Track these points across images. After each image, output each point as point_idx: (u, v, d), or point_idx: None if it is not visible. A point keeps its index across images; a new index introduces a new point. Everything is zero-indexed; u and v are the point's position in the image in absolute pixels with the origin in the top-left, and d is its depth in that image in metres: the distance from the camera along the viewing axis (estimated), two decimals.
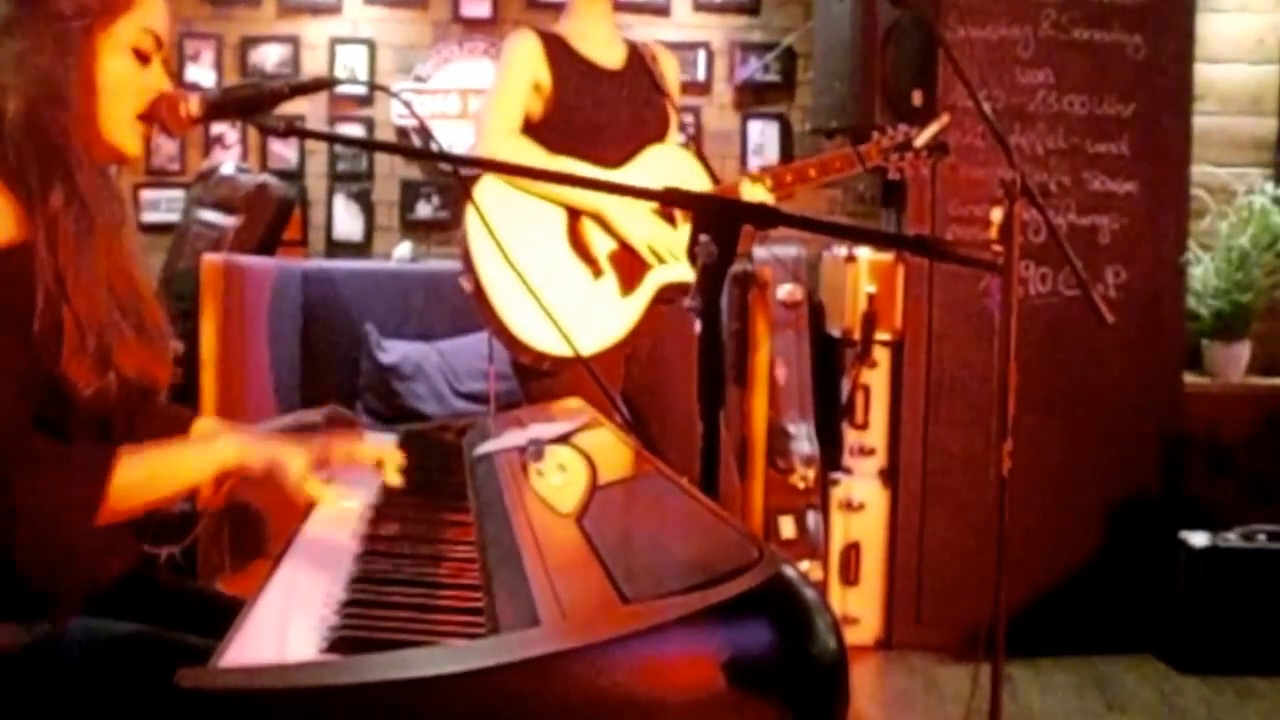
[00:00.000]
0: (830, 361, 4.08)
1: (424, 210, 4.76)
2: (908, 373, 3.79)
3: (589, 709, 0.93)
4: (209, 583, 3.25)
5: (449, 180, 4.67)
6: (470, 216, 2.78)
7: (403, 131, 4.67)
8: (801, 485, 3.82)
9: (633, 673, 0.94)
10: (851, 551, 3.85)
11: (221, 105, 1.52)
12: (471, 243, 2.78)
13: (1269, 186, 4.23)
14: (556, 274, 2.82)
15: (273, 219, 4.16)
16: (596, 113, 2.89)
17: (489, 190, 2.80)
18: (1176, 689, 3.51)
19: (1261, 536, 3.66)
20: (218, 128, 4.66)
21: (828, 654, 1.00)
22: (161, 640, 1.40)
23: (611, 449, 1.69)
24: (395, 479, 1.60)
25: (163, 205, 4.65)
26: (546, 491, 1.46)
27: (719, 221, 1.50)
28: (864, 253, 3.86)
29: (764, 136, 4.81)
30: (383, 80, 4.66)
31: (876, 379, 3.86)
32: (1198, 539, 3.65)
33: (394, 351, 3.98)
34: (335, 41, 4.71)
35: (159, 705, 1.17)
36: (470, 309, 2.85)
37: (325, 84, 3.67)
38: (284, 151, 4.72)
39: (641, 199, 2.63)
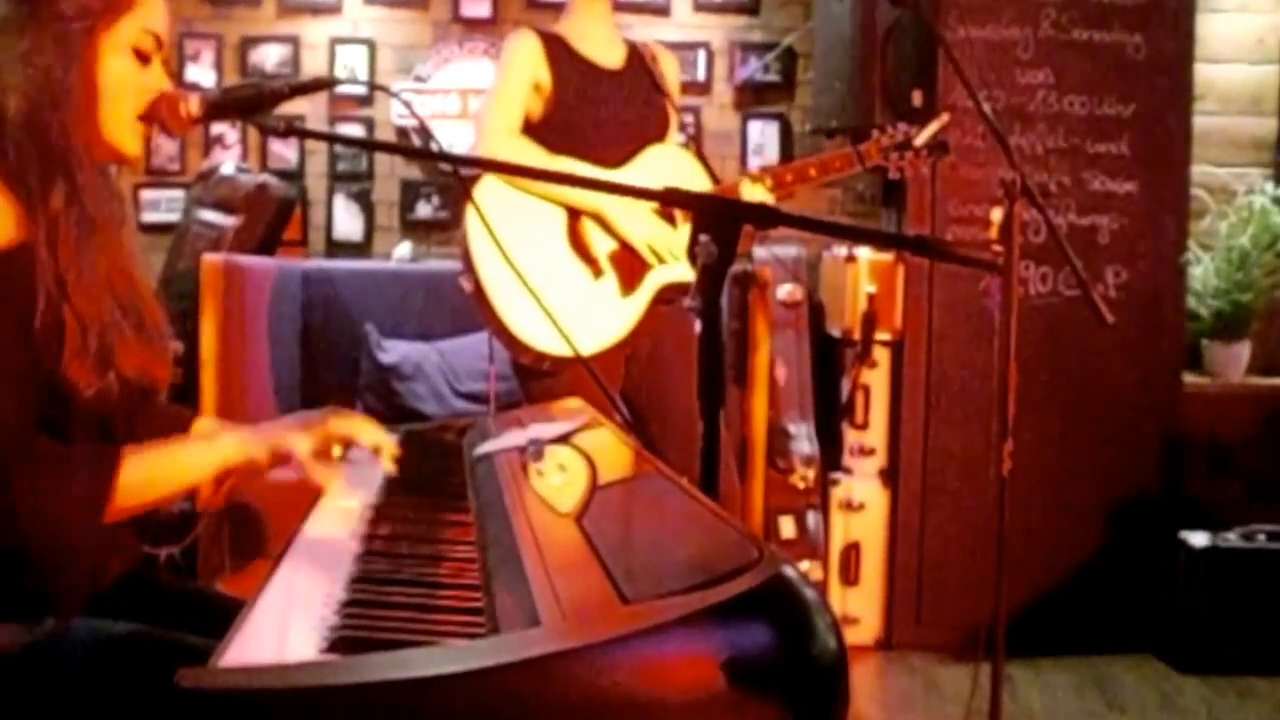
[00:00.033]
0: (830, 361, 4.07)
1: (424, 210, 4.76)
2: (908, 373, 3.79)
3: (589, 709, 0.93)
4: (209, 583, 3.25)
5: (449, 180, 4.67)
6: (470, 216, 2.78)
7: (403, 131, 4.67)
8: (801, 485, 3.82)
9: (633, 673, 0.94)
10: (851, 551, 3.85)
11: (221, 105, 1.52)
12: (471, 243, 2.77)
13: (1269, 186, 4.23)
14: (556, 274, 2.82)
15: (273, 219, 4.16)
16: (596, 113, 2.89)
17: (489, 190, 2.80)
18: (1176, 689, 3.51)
19: (1261, 536, 3.66)
20: (218, 128, 4.66)
21: (828, 654, 1.00)
22: (161, 640, 1.40)
23: (611, 449, 1.69)
24: (390, 467, 1.60)
25: (163, 205, 4.65)
26: (546, 491, 1.45)
27: (719, 221, 1.50)
28: (864, 253, 3.86)
29: (764, 136, 4.81)
30: (383, 80, 4.67)
31: (876, 379, 3.86)
32: (1198, 539, 3.65)
33: (394, 351, 3.97)
34: (335, 41, 4.71)
35: (159, 705, 1.17)
36: (470, 309, 2.85)
37: (325, 84, 3.68)
38: (284, 151, 4.73)
39: (641, 199, 2.63)
